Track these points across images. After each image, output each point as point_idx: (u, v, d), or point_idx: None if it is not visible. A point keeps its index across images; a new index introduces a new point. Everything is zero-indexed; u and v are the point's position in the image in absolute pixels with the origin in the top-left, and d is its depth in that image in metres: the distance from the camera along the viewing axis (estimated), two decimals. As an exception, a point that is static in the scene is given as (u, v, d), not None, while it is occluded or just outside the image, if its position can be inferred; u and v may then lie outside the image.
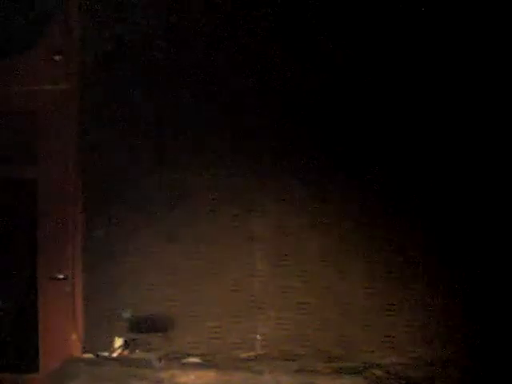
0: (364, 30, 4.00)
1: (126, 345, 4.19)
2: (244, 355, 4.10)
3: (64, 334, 4.29)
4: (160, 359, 4.10)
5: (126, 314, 4.18)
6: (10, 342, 4.44)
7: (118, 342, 4.20)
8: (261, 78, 4.09)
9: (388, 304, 3.99)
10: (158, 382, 3.82)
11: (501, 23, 3.87)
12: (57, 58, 4.35)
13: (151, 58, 4.20)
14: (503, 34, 3.87)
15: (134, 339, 4.18)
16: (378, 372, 3.89)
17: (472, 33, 3.90)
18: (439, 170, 3.96)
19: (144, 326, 4.17)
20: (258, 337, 4.11)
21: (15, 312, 4.45)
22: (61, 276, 4.30)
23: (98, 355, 4.18)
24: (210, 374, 3.89)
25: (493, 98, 3.89)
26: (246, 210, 4.12)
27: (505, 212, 3.86)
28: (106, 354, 4.18)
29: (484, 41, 3.88)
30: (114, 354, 4.18)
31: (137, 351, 4.17)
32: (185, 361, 4.12)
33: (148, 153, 4.22)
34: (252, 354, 4.11)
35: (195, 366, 4.05)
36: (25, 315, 4.42)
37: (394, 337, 3.99)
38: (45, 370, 4.27)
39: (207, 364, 4.05)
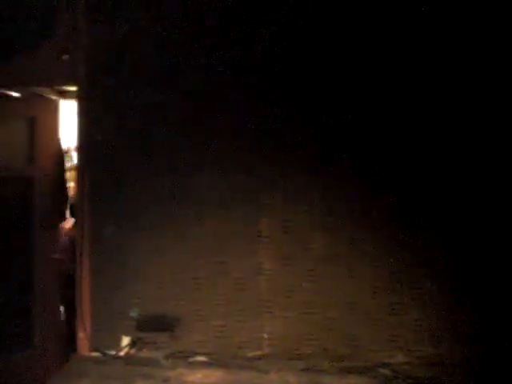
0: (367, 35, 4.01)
1: (133, 343, 4.19)
2: (251, 354, 4.10)
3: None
4: (167, 358, 4.12)
5: (133, 313, 4.19)
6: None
7: (125, 340, 4.20)
8: (272, 79, 4.09)
9: (395, 303, 3.97)
10: (165, 380, 3.84)
11: (501, 23, 3.85)
12: (64, 57, 4.35)
13: (160, 59, 4.20)
14: (503, 33, 3.85)
15: (140, 338, 4.18)
16: (385, 371, 3.89)
17: (472, 33, 3.88)
18: (445, 170, 3.94)
19: (151, 325, 4.17)
20: (265, 336, 4.11)
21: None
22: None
23: (105, 354, 4.19)
24: (217, 373, 3.91)
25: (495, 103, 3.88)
26: (254, 210, 4.11)
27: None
28: (113, 352, 4.19)
29: (484, 40, 3.87)
30: (121, 353, 4.18)
31: (144, 350, 4.18)
32: (192, 359, 4.13)
33: (155, 153, 4.21)
34: (259, 352, 4.10)
35: (202, 364, 4.06)
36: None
37: (401, 336, 3.97)
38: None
39: (214, 363, 4.05)
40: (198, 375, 3.89)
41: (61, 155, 4.87)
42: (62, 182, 4.96)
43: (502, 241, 3.85)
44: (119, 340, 4.21)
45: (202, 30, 4.14)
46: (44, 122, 4.56)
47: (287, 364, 3.97)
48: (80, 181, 4.32)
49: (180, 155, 4.17)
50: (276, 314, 4.08)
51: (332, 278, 4.04)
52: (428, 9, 3.91)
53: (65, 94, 4.62)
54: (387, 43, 3.98)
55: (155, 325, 4.16)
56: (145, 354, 4.16)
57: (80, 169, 4.32)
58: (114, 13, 4.26)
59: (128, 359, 4.11)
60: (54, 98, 4.62)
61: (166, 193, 4.17)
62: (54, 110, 4.64)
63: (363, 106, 4.01)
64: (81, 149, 4.34)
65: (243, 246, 4.13)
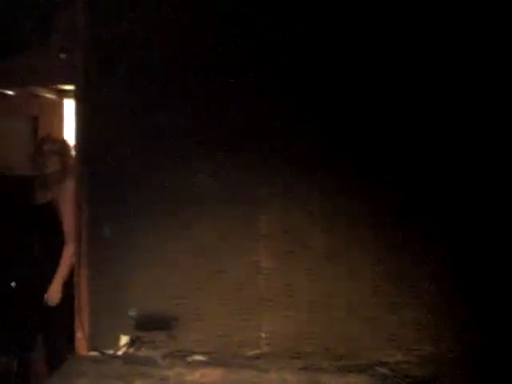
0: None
1: (131, 343, 4.18)
2: (250, 353, 4.11)
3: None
4: (165, 357, 4.11)
5: (132, 312, 4.19)
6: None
7: (124, 339, 4.19)
8: (272, 78, 4.09)
9: (394, 302, 3.99)
10: (163, 379, 3.83)
11: (501, 22, 3.88)
12: (62, 56, 4.35)
13: (160, 59, 4.20)
14: (503, 32, 3.87)
15: (139, 337, 4.18)
16: (384, 370, 3.90)
17: (473, 33, 3.91)
18: (446, 170, 3.96)
19: (149, 324, 4.17)
20: (264, 335, 4.11)
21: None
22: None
23: (103, 353, 4.18)
24: (216, 372, 3.90)
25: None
26: (253, 209, 4.12)
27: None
28: (111, 351, 4.18)
29: (486, 41, 3.90)
30: (120, 352, 4.17)
31: (142, 349, 4.17)
32: (190, 359, 4.12)
33: (153, 153, 4.21)
34: (257, 351, 4.11)
35: (201, 363, 4.06)
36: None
37: (400, 335, 3.98)
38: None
39: (213, 362, 4.05)
40: (196, 374, 3.89)
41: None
42: None
43: (502, 240, 3.87)
44: (117, 339, 4.20)
45: (202, 30, 4.15)
46: (46, 122, 4.57)
47: (287, 363, 3.98)
48: (79, 180, 4.31)
49: (180, 155, 4.17)
50: (275, 312, 4.09)
51: (331, 277, 4.05)
52: (428, 9, 3.94)
53: (64, 94, 4.63)
54: (389, 41, 3.99)
55: (154, 324, 4.16)
56: (143, 353, 4.15)
57: (79, 169, 4.32)
58: (114, 12, 4.26)
59: (126, 358, 4.10)
60: (53, 97, 4.63)
61: (165, 192, 4.17)
62: (57, 109, 4.66)
63: (364, 106, 4.03)
64: (79, 148, 4.33)
65: (242, 244, 4.13)
